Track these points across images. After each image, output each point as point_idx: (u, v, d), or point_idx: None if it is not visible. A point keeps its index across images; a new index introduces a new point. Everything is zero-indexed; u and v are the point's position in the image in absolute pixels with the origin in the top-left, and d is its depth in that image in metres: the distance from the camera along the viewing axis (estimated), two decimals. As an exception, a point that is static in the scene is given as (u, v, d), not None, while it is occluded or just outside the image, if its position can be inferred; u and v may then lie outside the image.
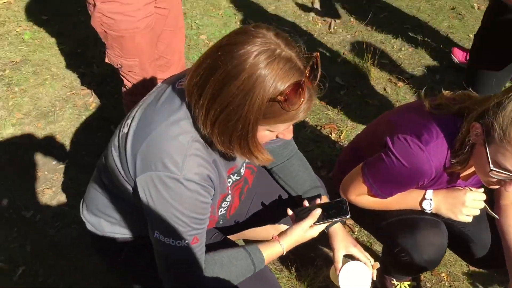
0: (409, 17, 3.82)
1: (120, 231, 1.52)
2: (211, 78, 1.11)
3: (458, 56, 3.32)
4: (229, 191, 1.45)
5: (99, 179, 1.50)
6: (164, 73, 2.33)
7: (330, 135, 2.82)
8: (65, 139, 2.73)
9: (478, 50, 2.53)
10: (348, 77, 3.23)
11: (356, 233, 2.34)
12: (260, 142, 1.22)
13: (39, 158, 2.61)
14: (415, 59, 3.40)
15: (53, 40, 3.37)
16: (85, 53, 3.28)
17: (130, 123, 1.30)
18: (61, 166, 2.58)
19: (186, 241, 1.27)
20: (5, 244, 2.23)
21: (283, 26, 3.65)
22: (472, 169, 1.49)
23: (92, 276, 2.14)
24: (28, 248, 2.22)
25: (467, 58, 3.26)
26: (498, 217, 1.66)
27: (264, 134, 1.21)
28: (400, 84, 3.17)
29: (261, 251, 1.42)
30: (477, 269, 2.20)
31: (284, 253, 1.46)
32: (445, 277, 2.20)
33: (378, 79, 3.21)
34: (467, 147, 1.36)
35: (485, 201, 1.58)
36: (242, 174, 1.51)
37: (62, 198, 2.44)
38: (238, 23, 3.70)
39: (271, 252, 1.44)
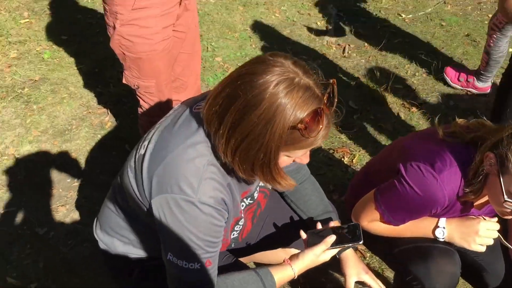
0: (423, 43, 3.84)
1: (133, 251, 1.53)
2: (231, 107, 1.13)
3: (451, 75, 3.34)
4: (242, 215, 1.46)
5: (114, 199, 1.52)
6: (179, 94, 2.37)
7: (342, 159, 2.82)
8: (81, 157, 2.76)
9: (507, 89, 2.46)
10: (362, 101, 3.24)
11: (367, 258, 2.33)
12: None
13: (55, 175, 2.64)
14: (429, 85, 3.41)
15: (72, 59, 3.44)
16: (102, 73, 3.34)
17: (147, 145, 1.33)
18: (76, 184, 2.61)
19: (199, 264, 1.28)
20: (18, 260, 2.25)
21: (297, 49, 3.70)
22: (486, 198, 1.49)
23: (103, 294, 2.15)
24: (41, 265, 2.24)
25: (460, 79, 3.30)
26: (512, 247, 1.65)
27: (283, 159, 1.22)
28: (414, 109, 3.17)
29: (273, 274, 1.42)
30: (490, 299, 2.17)
31: (296, 277, 1.46)
32: (457, 306, 2.17)
33: (392, 104, 3.22)
34: (480, 177, 1.36)
35: (498, 231, 1.57)
36: (255, 198, 1.52)
37: (75, 215, 2.46)
38: (253, 46, 3.75)
39: (282, 275, 1.44)
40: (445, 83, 3.40)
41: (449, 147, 1.45)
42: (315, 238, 1.50)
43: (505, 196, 1.29)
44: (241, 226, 1.50)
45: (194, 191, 1.21)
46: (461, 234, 1.57)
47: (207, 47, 3.66)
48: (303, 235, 1.55)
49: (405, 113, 3.16)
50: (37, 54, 3.46)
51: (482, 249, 1.57)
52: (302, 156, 1.25)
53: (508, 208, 1.34)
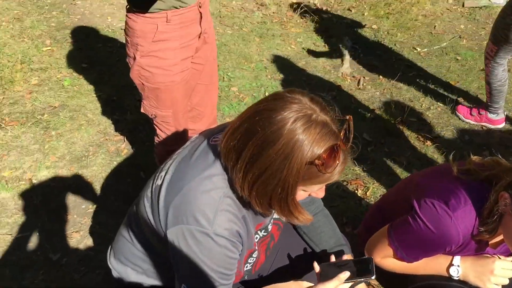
0: (439, 77, 3.86)
1: (146, 281, 1.54)
2: (249, 142, 1.15)
3: (463, 112, 3.36)
4: (256, 247, 1.47)
5: (129, 227, 1.54)
6: (195, 124, 2.40)
7: (356, 191, 2.82)
8: (96, 183, 2.79)
9: None
10: (376, 133, 3.25)
11: (380, 293, 2.30)
12: None
13: (70, 201, 2.67)
14: (444, 119, 3.42)
15: (91, 87, 3.51)
16: (120, 101, 3.40)
17: (164, 176, 1.35)
18: (90, 210, 2.63)
19: (212, 296, 1.28)
20: (31, 287, 2.26)
21: (312, 81, 3.74)
22: (501, 236, 1.48)
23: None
24: (53, 291, 2.25)
25: (472, 113, 3.32)
26: (527, 287, 1.62)
27: (299, 193, 1.24)
28: (428, 143, 3.17)
29: (285, 307, 1.42)
30: None
31: (308, 310, 1.45)
32: None
33: (406, 137, 3.23)
34: (495, 216, 1.36)
35: (514, 270, 1.55)
36: (269, 230, 1.53)
37: (89, 242, 2.48)
38: (269, 76, 3.80)
39: (295, 309, 1.44)
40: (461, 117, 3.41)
41: (464, 185, 1.45)
42: (329, 272, 1.49)
43: (521, 236, 1.29)
44: (254, 259, 1.50)
45: (209, 222, 1.22)
46: (476, 273, 1.55)
47: (224, 77, 3.71)
48: (317, 267, 1.54)
49: (419, 146, 3.16)
50: (58, 81, 3.54)
51: (497, 288, 1.55)
52: (318, 191, 1.27)
53: (524, 248, 1.33)
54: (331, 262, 1.55)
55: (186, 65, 2.06)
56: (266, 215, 1.37)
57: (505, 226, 1.37)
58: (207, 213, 1.22)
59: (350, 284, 1.51)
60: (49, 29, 4.16)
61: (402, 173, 2.94)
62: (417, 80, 3.81)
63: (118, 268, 1.58)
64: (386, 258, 1.65)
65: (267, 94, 3.59)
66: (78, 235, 2.50)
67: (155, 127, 2.24)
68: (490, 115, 3.26)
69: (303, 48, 4.21)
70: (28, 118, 3.19)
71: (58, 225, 2.54)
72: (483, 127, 3.32)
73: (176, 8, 1.91)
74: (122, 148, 3.04)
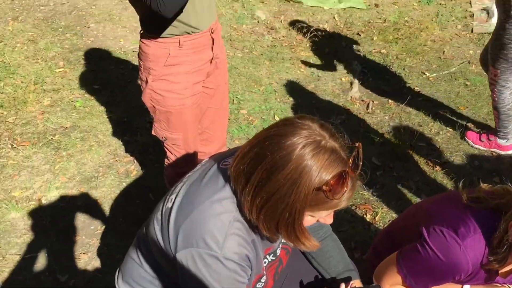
0: (448, 102, 3.86)
1: (153, 304, 1.54)
2: (258, 166, 1.16)
3: (472, 138, 3.35)
4: (264, 272, 1.47)
5: (138, 249, 1.54)
6: (205, 147, 2.42)
7: (365, 216, 2.81)
8: (105, 205, 2.81)
9: None
10: (385, 158, 3.25)
11: (389, 320, 2.27)
12: None
13: (79, 222, 2.69)
14: (453, 144, 3.41)
15: (102, 108, 3.56)
16: (131, 122, 3.44)
17: (174, 199, 1.36)
18: (99, 232, 2.64)
19: (221, 320, 1.28)
20: (39, 307, 2.27)
21: (321, 104, 3.76)
22: (512, 265, 1.47)
23: None
24: (60, 313, 2.25)
25: (482, 139, 3.31)
26: (538, 317, 1.60)
27: (307, 219, 1.24)
28: (438, 168, 3.16)
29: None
30: None
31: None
32: None
33: (415, 162, 3.22)
34: (505, 246, 1.35)
35: (525, 299, 1.54)
36: (277, 254, 1.53)
37: (96, 263, 2.48)
38: (278, 99, 3.83)
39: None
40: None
41: (473, 213, 1.44)
42: None
43: (531, 266, 1.28)
44: (263, 283, 1.50)
45: (219, 246, 1.23)
46: (486, 302, 1.54)
47: (233, 100, 3.74)
48: (326, 294, 1.54)
49: (429, 171, 3.15)
50: (70, 102, 3.59)
51: (508, 318, 1.54)
52: (326, 217, 1.27)
53: (535, 278, 1.32)
54: None
55: (197, 89, 2.09)
56: (274, 239, 1.37)
57: (515, 256, 1.36)
58: (217, 237, 1.23)
59: (358, 310, 1.51)
60: (63, 50, 4.23)
61: (411, 198, 2.93)
62: (426, 104, 3.81)
63: (126, 290, 1.58)
64: (395, 286, 1.64)
65: (276, 117, 3.61)
66: (86, 256, 2.51)
67: (165, 149, 2.26)
68: (500, 141, 3.26)
69: (312, 72, 4.24)
70: (40, 138, 3.23)
71: (67, 246, 2.55)
72: (493, 153, 3.31)
73: (189, 33, 1.95)
74: (132, 169, 3.06)
